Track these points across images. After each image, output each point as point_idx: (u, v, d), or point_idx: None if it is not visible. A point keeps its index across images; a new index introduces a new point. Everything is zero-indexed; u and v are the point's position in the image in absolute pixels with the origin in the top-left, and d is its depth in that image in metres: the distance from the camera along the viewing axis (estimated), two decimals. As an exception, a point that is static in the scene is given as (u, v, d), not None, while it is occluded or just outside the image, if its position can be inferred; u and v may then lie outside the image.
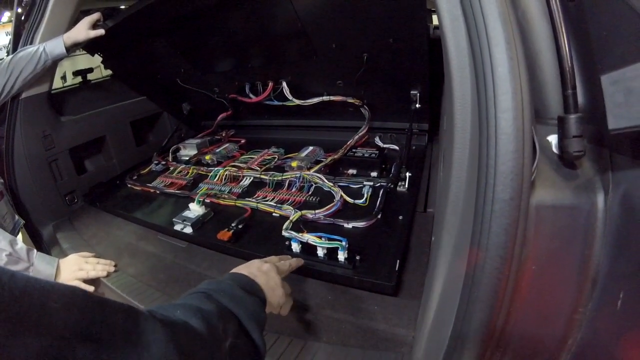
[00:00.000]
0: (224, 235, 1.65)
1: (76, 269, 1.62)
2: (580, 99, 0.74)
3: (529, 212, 0.71)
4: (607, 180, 0.71)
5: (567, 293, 0.77)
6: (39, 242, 2.17)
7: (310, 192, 1.95)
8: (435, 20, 2.23)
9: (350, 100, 2.35)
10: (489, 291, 0.74)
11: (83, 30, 1.97)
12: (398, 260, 1.40)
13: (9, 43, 2.15)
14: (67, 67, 3.61)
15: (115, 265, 1.72)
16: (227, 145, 2.75)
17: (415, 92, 2.11)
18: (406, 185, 1.89)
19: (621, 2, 0.63)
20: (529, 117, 0.67)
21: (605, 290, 0.73)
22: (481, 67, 0.70)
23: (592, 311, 0.76)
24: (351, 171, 2.10)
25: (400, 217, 1.67)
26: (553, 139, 0.76)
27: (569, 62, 0.70)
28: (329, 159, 2.17)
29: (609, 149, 0.72)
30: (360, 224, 1.65)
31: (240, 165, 2.36)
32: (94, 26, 2.02)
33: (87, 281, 1.63)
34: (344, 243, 1.41)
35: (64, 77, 3.73)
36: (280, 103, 2.50)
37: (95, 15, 2.01)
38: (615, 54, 0.66)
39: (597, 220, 0.71)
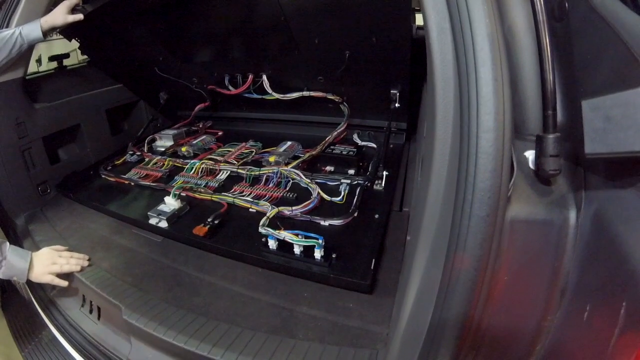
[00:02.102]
0: (200, 230, 1.65)
1: (49, 263, 1.59)
2: (559, 117, 0.76)
3: (504, 226, 0.73)
4: (580, 197, 0.74)
5: (537, 302, 0.80)
6: (10, 234, 2.12)
7: (287, 188, 1.96)
8: (418, 19, 2.24)
9: (330, 96, 2.35)
10: (463, 299, 0.77)
11: (61, 15, 1.91)
12: (373, 259, 1.41)
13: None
14: (43, 50, 3.51)
15: (89, 260, 1.69)
16: (204, 137, 2.72)
17: (396, 91, 2.12)
18: (383, 184, 1.91)
19: (608, 28, 0.64)
20: (509, 137, 0.69)
21: (573, 302, 0.76)
22: (466, 83, 0.71)
23: (560, 320, 0.79)
24: (329, 168, 2.12)
25: (377, 216, 1.69)
26: (530, 154, 0.78)
27: (552, 84, 0.72)
28: (307, 154, 2.18)
29: (584, 168, 0.75)
30: (336, 222, 1.66)
31: (217, 158, 2.35)
32: (73, 10, 1.96)
33: (61, 275, 1.60)
34: (320, 241, 1.42)
35: (39, 60, 3.63)
36: (260, 96, 2.49)
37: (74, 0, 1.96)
38: (597, 79, 0.68)
39: (569, 235, 0.74)
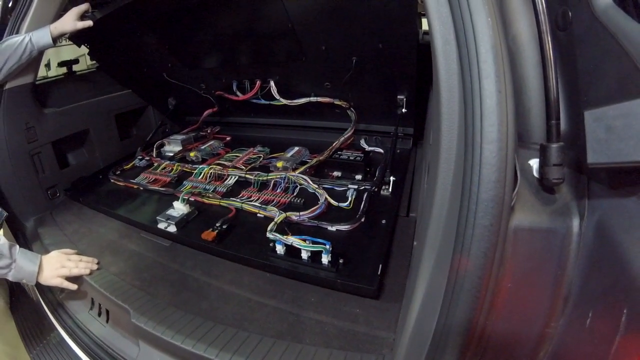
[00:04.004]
0: (208, 235, 1.66)
1: (59, 266, 1.61)
2: (563, 125, 0.77)
3: (508, 234, 0.74)
4: (583, 206, 0.75)
5: (540, 309, 0.81)
6: (19, 237, 2.14)
7: (295, 194, 1.97)
8: (424, 24, 2.24)
9: (337, 102, 2.37)
10: (467, 305, 0.78)
11: (70, 21, 1.94)
12: (380, 265, 1.42)
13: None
14: (51, 55, 3.54)
15: (97, 263, 1.71)
16: (212, 142, 2.75)
17: (402, 96, 2.13)
18: (390, 189, 1.92)
19: (610, 37, 0.65)
20: (513, 147, 0.70)
21: (576, 309, 0.77)
22: (470, 95, 0.72)
23: (563, 326, 0.79)
24: (336, 173, 2.12)
25: (383, 221, 1.70)
26: (534, 163, 0.79)
27: (555, 94, 0.73)
28: (315, 160, 2.19)
29: (587, 177, 0.75)
30: (344, 227, 1.67)
31: (225, 163, 2.37)
32: (82, 17, 1.99)
33: (70, 279, 1.62)
34: (327, 246, 1.43)
35: (47, 65, 3.66)
36: (267, 102, 2.51)
37: (84, 6, 1.98)
38: (600, 89, 0.69)
39: (572, 243, 0.75)
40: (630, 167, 0.59)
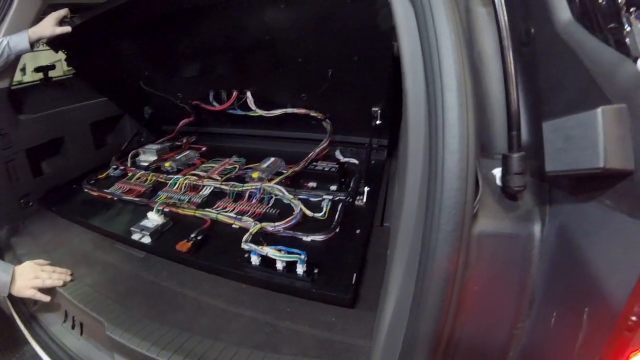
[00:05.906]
0: (183, 246, 1.65)
1: (32, 277, 1.59)
2: (525, 136, 0.82)
3: (472, 239, 0.78)
4: (545, 212, 0.79)
5: (507, 311, 0.85)
6: (-9, 246, 2.11)
7: (270, 204, 1.98)
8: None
9: (313, 113, 2.39)
10: (433, 309, 0.81)
11: (49, 26, 1.93)
12: (355, 274, 1.44)
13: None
14: (27, 60, 3.49)
15: (71, 274, 1.69)
16: (187, 152, 2.73)
17: (377, 108, 2.17)
18: (364, 200, 1.95)
19: (571, 53, 0.69)
20: (474, 157, 0.74)
21: (541, 309, 0.81)
22: (434, 107, 0.76)
23: (530, 327, 0.84)
24: (311, 184, 2.14)
25: (358, 231, 1.72)
26: (497, 172, 0.84)
27: (516, 106, 0.78)
28: (290, 171, 2.21)
29: (549, 184, 0.80)
30: (318, 237, 1.68)
31: (201, 174, 2.37)
32: (61, 22, 1.98)
33: (43, 290, 1.60)
34: (302, 256, 1.45)
35: (23, 70, 3.61)
36: (244, 113, 2.52)
37: (63, 12, 1.97)
38: (560, 101, 0.74)
39: (534, 247, 0.80)
40: (586, 174, 0.63)
